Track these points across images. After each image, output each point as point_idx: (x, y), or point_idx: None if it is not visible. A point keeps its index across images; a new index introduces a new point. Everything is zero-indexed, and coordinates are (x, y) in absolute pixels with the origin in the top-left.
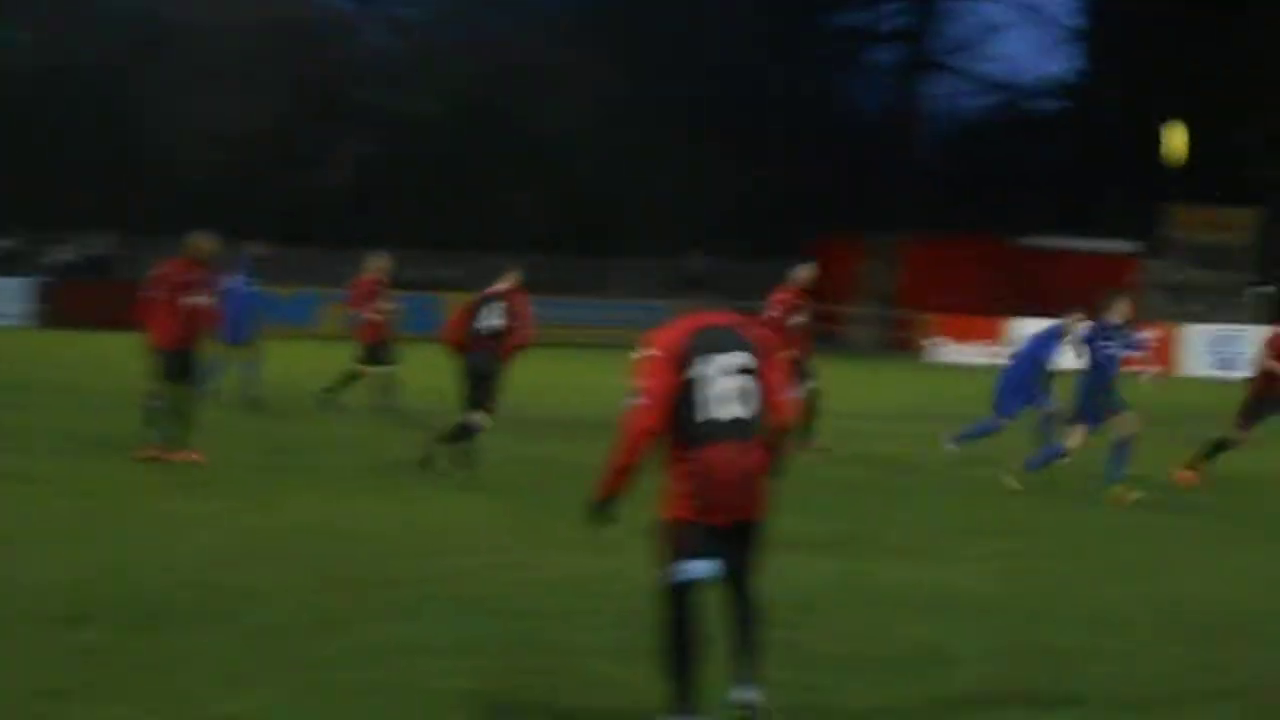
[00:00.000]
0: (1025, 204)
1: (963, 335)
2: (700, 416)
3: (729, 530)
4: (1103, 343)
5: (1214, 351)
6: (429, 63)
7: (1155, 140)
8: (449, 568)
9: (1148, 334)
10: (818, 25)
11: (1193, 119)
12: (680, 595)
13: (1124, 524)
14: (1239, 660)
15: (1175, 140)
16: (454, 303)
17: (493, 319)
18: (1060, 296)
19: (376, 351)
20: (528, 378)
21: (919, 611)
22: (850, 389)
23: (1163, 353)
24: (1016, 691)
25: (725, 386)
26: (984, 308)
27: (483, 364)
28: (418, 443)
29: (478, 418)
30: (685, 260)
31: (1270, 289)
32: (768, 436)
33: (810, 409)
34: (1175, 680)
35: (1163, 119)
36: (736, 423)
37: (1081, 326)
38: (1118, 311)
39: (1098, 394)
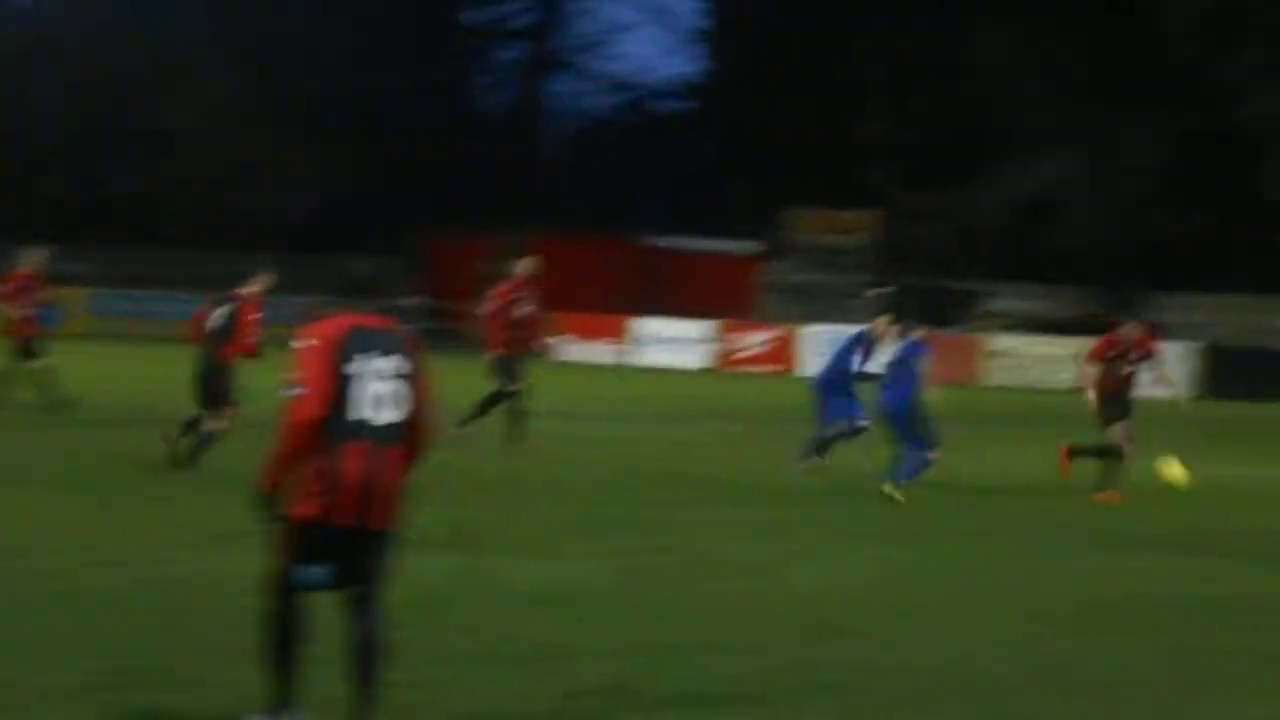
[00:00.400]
0: (651, 203)
1: (588, 334)
2: (346, 415)
3: (353, 534)
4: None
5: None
6: (46, 54)
7: (777, 141)
8: (57, 567)
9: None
10: (445, 21)
11: (812, 122)
12: (287, 591)
13: (753, 521)
14: (850, 655)
15: (1174, 473)
16: (74, 300)
17: (217, 320)
18: (684, 296)
19: (30, 347)
20: (159, 374)
21: (541, 608)
22: (475, 387)
23: (782, 352)
24: (635, 689)
25: (376, 389)
26: (609, 306)
27: (201, 363)
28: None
29: (203, 420)
30: (349, 262)
31: (891, 289)
32: (407, 446)
33: (516, 408)
34: (790, 676)
35: (785, 120)
36: (380, 427)
37: (894, 332)
38: None
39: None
